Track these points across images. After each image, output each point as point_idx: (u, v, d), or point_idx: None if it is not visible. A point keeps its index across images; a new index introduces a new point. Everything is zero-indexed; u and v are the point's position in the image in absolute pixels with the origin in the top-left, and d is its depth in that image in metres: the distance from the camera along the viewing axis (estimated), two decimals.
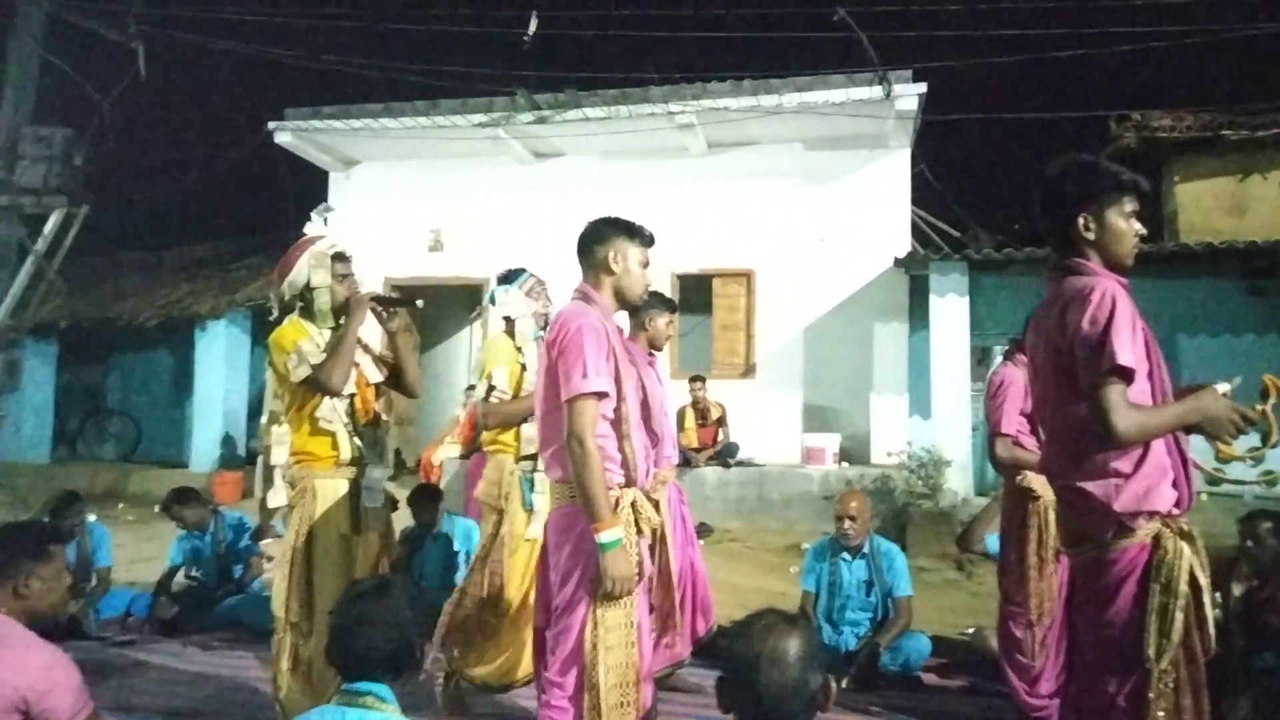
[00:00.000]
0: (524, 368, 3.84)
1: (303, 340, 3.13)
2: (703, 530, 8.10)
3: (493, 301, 4.08)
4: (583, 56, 13.92)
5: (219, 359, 11.44)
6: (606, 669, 2.48)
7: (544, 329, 3.89)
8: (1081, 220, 2.26)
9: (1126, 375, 2.07)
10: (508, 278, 4.10)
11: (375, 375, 3.39)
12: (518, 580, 3.74)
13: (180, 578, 5.61)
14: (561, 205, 10.07)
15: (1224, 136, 9.11)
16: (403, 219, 10.98)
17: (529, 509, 3.73)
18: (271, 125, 10.52)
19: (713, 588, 4.47)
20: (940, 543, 7.74)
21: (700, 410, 9.11)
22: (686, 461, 8.25)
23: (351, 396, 3.22)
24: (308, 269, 3.24)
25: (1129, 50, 9.67)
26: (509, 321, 4.00)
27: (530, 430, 3.71)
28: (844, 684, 4.30)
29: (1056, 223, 2.32)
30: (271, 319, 3.34)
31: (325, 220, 3.54)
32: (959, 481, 8.34)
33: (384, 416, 3.40)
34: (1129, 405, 2.06)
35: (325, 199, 11.36)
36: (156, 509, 8.20)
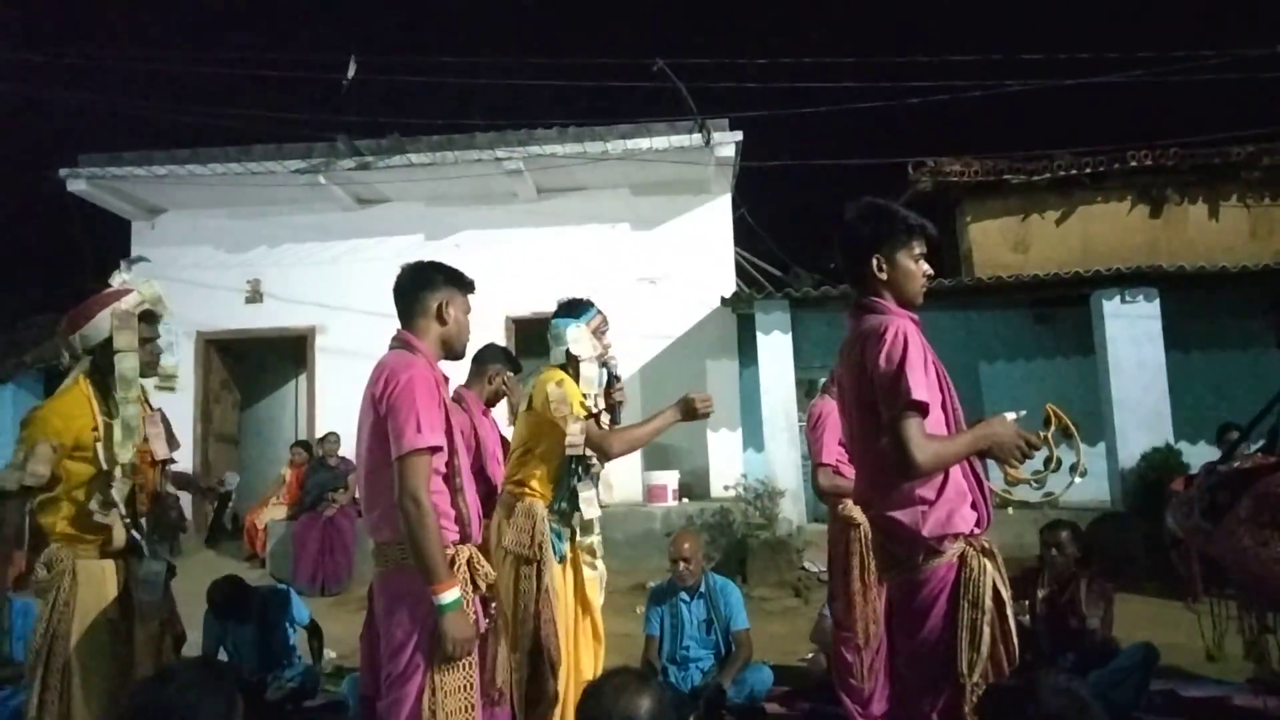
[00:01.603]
0: (594, 417, 3.48)
1: (50, 435, 2.76)
2: None
3: (558, 339, 3.59)
4: (406, 102, 13.74)
5: (7, 426, 10.36)
6: None
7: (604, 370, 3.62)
8: (875, 261, 2.41)
9: (923, 409, 2.20)
10: (572, 309, 3.64)
11: (163, 451, 3.06)
12: (565, 637, 3.44)
13: None
14: (388, 252, 9.83)
15: (1007, 180, 10.02)
16: (217, 270, 10.39)
17: (561, 560, 3.48)
18: (63, 172, 9.73)
19: None
20: (779, 571, 7.98)
21: None
22: None
23: (133, 481, 2.89)
24: (109, 327, 2.90)
25: (922, 103, 10.51)
26: (572, 360, 3.55)
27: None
28: None
29: (853, 264, 2.46)
30: (62, 369, 2.99)
31: (132, 273, 3.15)
32: (792, 510, 8.64)
33: (170, 490, 3.08)
34: (926, 438, 2.20)
35: (128, 250, 10.60)
36: None
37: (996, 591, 2.23)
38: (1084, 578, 4.52)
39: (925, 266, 2.45)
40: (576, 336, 3.56)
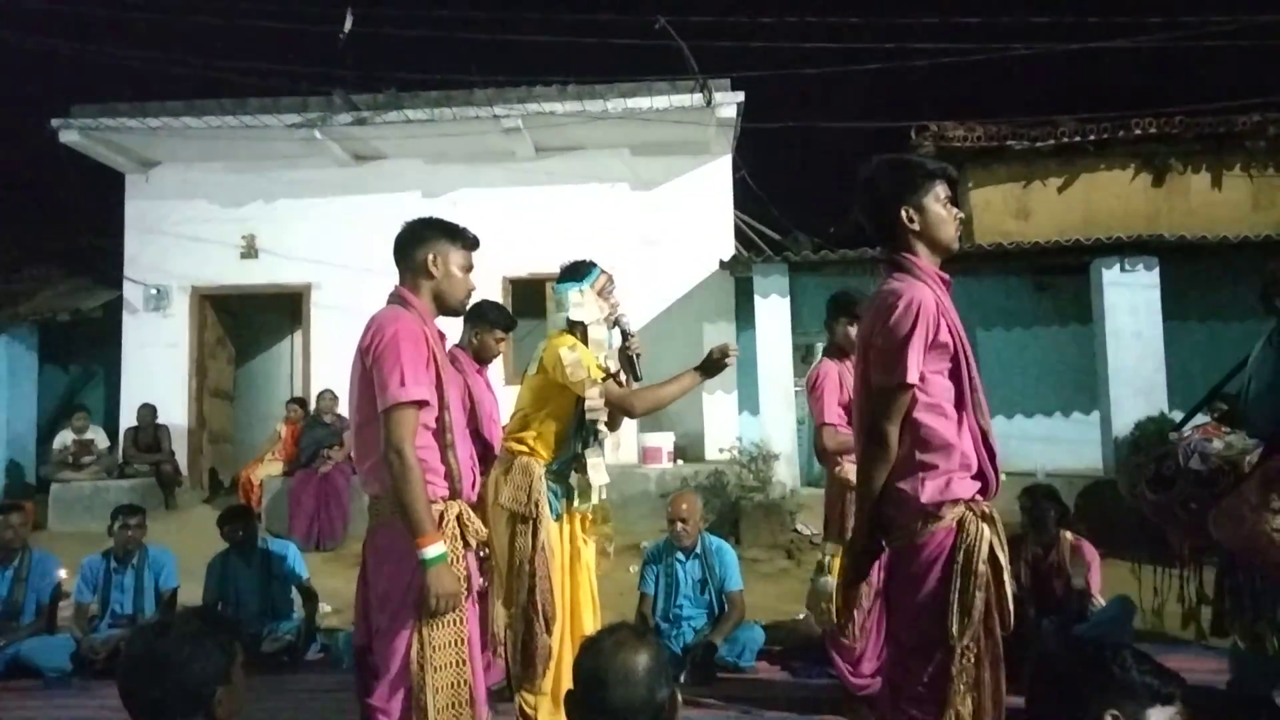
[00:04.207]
0: (612, 377, 3.43)
1: None
2: None
3: (561, 304, 3.55)
4: (403, 57, 13.52)
5: (3, 379, 10.33)
6: (436, 690, 2.38)
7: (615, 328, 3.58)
8: (905, 213, 2.35)
9: (909, 391, 2.24)
10: (575, 273, 3.57)
11: None
12: (560, 593, 3.48)
13: None
14: (385, 209, 9.70)
15: (1009, 146, 9.93)
16: (211, 224, 10.30)
17: (557, 518, 3.49)
18: (55, 123, 9.59)
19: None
20: (771, 533, 8.03)
21: None
22: None
23: None
24: None
25: (926, 66, 10.38)
26: (578, 326, 3.51)
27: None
28: (681, 679, 4.39)
29: (881, 219, 2.40)
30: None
31: None
32: (786, 473, 8.68)
33: None
34: (896, 421, 2.25)
35: (121, 202, 10.53)
36: None
37: (994, 556, 2.24)
38: (1066, 539, 4.56)
39: (955, 210, 2.41)
40: (579, 301, 3.52)
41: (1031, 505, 4.60)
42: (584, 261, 3.63)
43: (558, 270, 3.68)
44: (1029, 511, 4.62)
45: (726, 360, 3.41)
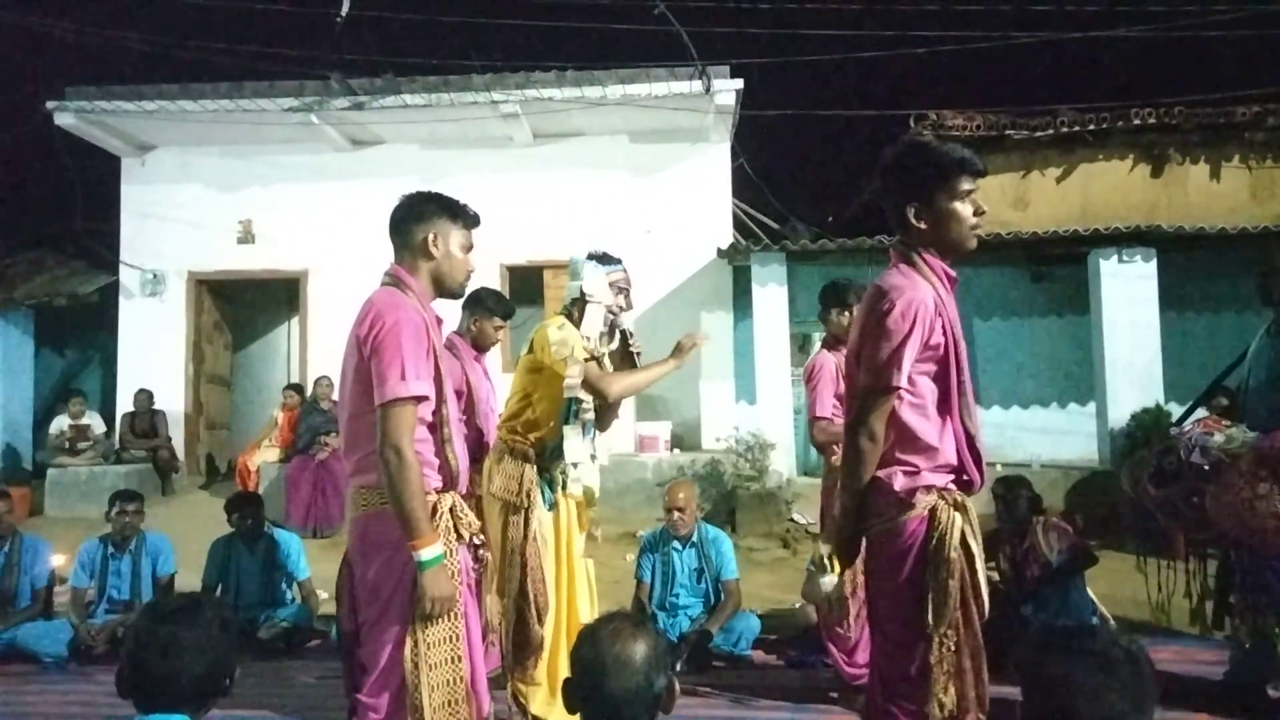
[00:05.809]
0: (595, 360, 3.42)
1: None
2: None
3: (575, 273, 3.58)
4: (401, 41, 13.42)
5: None
6: (431, 688, 2.30)
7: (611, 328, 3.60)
8: (911, 211, 2.29)
9: (894, 393, 2.25)
10: (599, 256, 3.63)
11: None
12: (556, 583, 3.50)
13: None
14: (382, 195, 9.65)
15: (1008, 136, 9.90)
16: (208, 208, 10.26)
17: (551, 507, 3.49)
18: (51, 105, 9.54)
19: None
20: (767, 522, 8.05)
21: None
22: None
23: None
24: None
25: (926, 53, 10.33)
26: (581, 300, 3.53)
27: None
28: (677, 667, 4.40)
29: (893, 213, 2.36)
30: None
31: None
32: (783, 463, 8.69)
33: None
34: (881, 420, 2.25)
35: (117, 185, 10.48)
36: None
37: (966, 544, 2.24)
38: (1039, 524, 4.59)
39: (972, 205, 2.31)
40: (592, 276, 3.54)
41: (1005, 492, 4.63)
42: (612, 254, 3.67)
43: (555, 258, 3.71)
44: (1003, 499, 4.64)
45: (691, 344, 3.54)
